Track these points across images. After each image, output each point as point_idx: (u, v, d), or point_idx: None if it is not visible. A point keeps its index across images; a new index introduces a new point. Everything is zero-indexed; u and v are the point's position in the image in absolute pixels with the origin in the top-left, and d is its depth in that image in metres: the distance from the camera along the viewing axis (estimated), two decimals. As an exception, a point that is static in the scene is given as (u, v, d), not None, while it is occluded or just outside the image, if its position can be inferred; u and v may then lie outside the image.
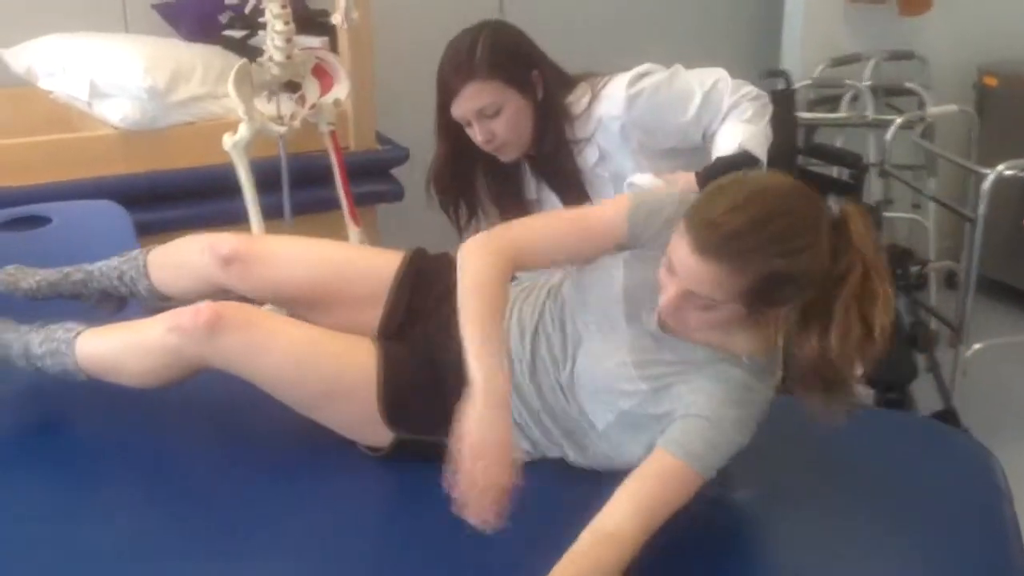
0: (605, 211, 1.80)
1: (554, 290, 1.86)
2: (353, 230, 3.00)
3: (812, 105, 4.22)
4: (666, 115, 2.24)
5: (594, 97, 2.26)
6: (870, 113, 4.07)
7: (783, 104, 3.79)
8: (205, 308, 1.80)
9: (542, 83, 2.24)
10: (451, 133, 2.27)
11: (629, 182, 2.25)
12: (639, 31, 4.30)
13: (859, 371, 1.61)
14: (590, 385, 1.74)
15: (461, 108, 2.19)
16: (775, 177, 1.63)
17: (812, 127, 4.13)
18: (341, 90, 2.91)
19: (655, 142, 2.28)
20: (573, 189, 2.36)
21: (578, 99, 2.27)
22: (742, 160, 2.17)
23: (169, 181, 2.99)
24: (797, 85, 4.13)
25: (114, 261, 2.16)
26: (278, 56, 2.75)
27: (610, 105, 2.23)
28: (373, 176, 3.24)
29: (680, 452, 1.58)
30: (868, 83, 4.13)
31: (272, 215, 2.95)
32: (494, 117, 2.20)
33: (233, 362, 1.82)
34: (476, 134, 2.22)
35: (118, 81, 2.92)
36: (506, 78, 2.18)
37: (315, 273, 1.99)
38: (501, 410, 1.55)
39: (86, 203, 2.83)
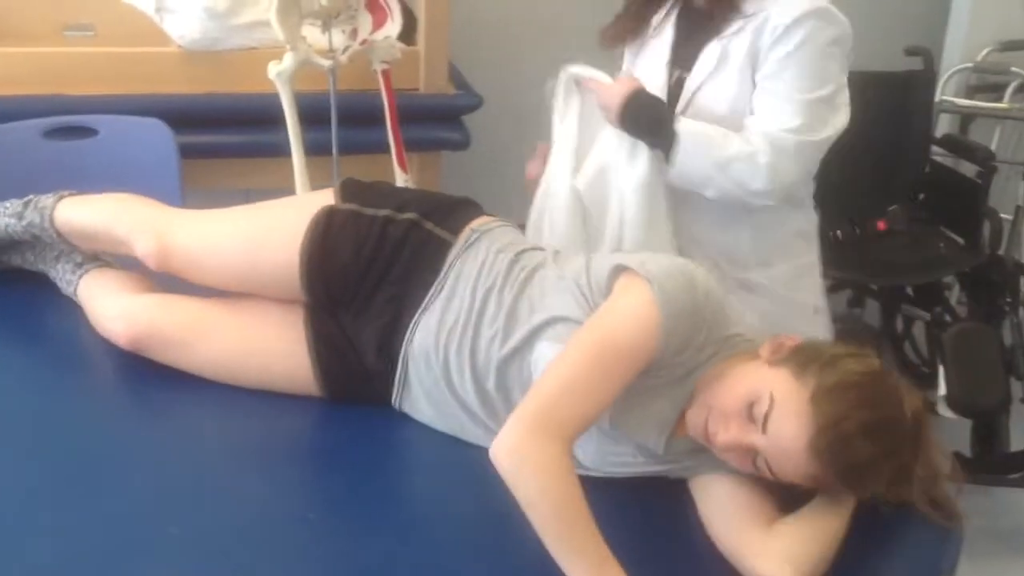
0: (628, 335, 1.50)
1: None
2: (400, 176, 2.87)
3: (972, 92, 3.79)
4: (789, 73, 1.95)
5: None
6: (1034, 106, 3.63)
7: (920, 87, 3.42)
8: (122, 336, 1.89)
9: None
10: None
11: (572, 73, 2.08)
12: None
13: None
14: None
15: None
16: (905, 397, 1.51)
17: (969, 116, 3.72)
18: (393, 27, 2.76)
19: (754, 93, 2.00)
20: (683, 63, 2.10)
21: None
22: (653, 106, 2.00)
23: (220, 105, 2.92)
24: (958, 67, 3.73)
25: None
26: (327, -15, 2.63)
27: (777, 11, 1.95)
28: (440, 121, 3.09)
29: None
30: (1037, 73, 3.68)
31: (321, 152, 2.85)
32: None
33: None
34: None
35: (181, -3, 2.87)
36: None
37: (229, 280, 1.92)
38: None
39: (134, 119, 2.79)
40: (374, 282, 1.78)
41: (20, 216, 2.10)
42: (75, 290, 2.06)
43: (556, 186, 2.10)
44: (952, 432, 2.95)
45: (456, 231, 1.79)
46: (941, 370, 2.89)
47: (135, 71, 2.90)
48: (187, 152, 2.80)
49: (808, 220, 2.17)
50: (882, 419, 1.43)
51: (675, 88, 2.14)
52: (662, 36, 2.17)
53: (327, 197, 1.89)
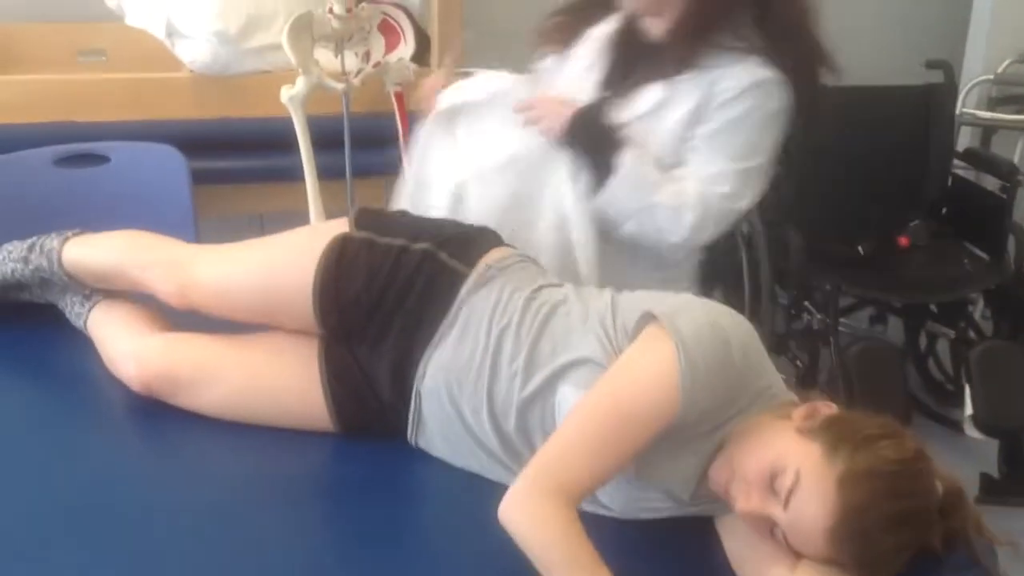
0: (643, 401, 1.43)
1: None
2: (414, 198, 2.83)
3: (993, 104, 3.74)
4: (730, 138, 1.94)
5: (740, 50, 1.94)
6: (1058, 118, 3.59)
7: (941, 100, 3.37)
8: (135, 380, 1.84)
9: None
10: None
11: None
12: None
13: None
14: None
15: None
16: (939, 480, 1.44)
17: (991, 129, 3.67)
18: (406, 49, 2.73)
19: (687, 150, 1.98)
20: (614, 88, 2.05)
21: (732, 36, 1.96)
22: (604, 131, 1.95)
23: (233, 130, 2.89)
24: (979, 79, 3.69)
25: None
26: (338, 9, 2.60)
27: (732, 72, 1.92)
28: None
29: None
30: (1061, 84, 3.63)
31: (335, 175, 2.83)
32: None
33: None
34: None
35: (191, 22, 2.85)
36: None
37: (248, 312, 1.88)
38: None
39: (146, 146, 2.76)
40: (388, 313, 1.74)
41: (26, 261, 2.07)
42: (85, 322, 2.03)
43: (437, 177, 2.10)
44: (979, 452, 2.89)
45: (471, 263, 1.74)
46: (967, 389, 2.84)
47: (147, 96, 2.88)
48: (200, 178, 2.77)
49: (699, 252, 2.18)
50: (908, 511, 1.37)
51: None
52: (598, 53, 2.12)
53: (342, 226, 1.85)
